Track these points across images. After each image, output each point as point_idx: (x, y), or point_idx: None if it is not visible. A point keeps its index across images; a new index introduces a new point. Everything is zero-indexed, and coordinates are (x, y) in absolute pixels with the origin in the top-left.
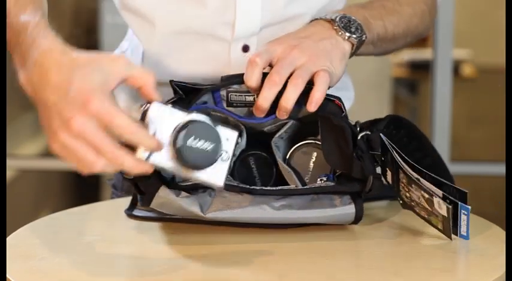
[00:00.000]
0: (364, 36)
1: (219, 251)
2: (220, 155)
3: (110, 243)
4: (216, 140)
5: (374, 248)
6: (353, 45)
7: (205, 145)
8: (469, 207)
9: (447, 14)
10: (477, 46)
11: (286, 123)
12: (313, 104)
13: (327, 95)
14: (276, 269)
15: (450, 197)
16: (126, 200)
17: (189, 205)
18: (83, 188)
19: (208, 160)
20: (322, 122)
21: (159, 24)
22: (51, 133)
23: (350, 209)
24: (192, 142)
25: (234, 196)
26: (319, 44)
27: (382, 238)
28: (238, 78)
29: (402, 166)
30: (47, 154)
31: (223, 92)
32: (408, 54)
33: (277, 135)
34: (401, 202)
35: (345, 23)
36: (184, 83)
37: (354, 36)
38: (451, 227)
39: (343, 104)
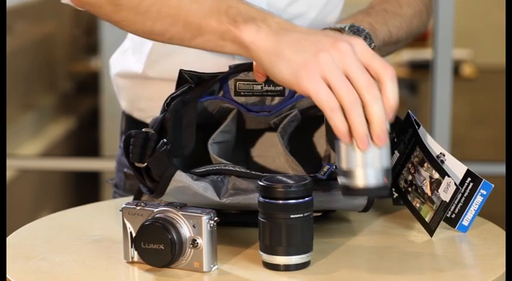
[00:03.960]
0: (372, 44)
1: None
2: None
3: (110, 243)
4: None
5: (372, 249)
6: None
7: None
8: (492, 185)
9: (447, 14)
10: (477, 46)
11: (290, 113)
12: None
13: None
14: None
15: (474, 173)
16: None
17: (204, 190)
18: (83, 188)
19: None
20: None
21: None
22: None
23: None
24: None
25: (245, 180)
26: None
27: (380, 238)
28: (246, 66)
29: (426, 142)
30: (47, 154)
31: (231, 82)
32: (408, 54)
33: (281, 125)
34: (394, 196)
35: (354, 32)
36: (193, 72)
37: None
38: (443, 217)
39: None
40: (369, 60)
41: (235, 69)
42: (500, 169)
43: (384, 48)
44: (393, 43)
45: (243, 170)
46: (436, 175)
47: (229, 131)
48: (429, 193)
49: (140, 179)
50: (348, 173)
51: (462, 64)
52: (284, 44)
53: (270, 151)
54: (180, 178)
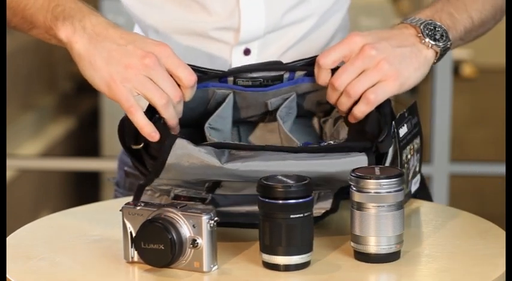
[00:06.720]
0: (448, 43)
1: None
2: None
3: (110, 243)
4: None
5: None
6: (437, 53)
7: None
8: None
9: None
10: (477, 46)
11: (289, 97)
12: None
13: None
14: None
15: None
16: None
17: (206, 154)
18: (83, 188)
19: None
20: None
21: (161, 27)
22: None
23: (363, 158)
24: None
25: (247, 152)
26: (397, 50)
27: None
28: (249, 67)
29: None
30: (47, 154)
31: (230, 78)
32: None
33: (281, 107)
34: None
35: (430, 30)
36: (193, 65)
37: (438, 43)
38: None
39: None
40: (174, 69)
41: (236, 70)
42: (500, 169)
43: (469, 35)
44: (479, 26)
45: (243, 144)
46: (417, 168)
47: (226, 117)
48: (409, 178)
49: (138, 165)
50: (360, 239)
51: (462, 64)
52: (97, 52)
53: (270, 137)
54: (181, 145)
